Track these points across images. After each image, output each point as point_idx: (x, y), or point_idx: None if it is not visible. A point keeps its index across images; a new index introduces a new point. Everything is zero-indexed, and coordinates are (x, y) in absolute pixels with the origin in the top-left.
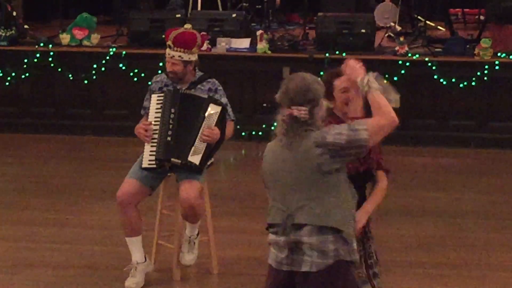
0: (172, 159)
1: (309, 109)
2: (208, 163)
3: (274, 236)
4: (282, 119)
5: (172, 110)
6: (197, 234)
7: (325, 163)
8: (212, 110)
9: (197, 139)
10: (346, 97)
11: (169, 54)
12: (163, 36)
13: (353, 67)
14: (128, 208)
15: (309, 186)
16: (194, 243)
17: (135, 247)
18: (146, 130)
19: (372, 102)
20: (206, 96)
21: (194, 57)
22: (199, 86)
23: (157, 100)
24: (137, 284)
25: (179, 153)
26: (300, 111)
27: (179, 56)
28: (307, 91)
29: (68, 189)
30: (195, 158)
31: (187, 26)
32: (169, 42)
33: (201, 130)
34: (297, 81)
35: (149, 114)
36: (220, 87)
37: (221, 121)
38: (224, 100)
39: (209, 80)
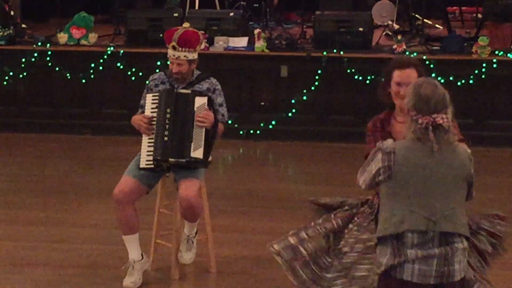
0: (171, 159)
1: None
2: (209, 158)
3: (418, 250)
4: (421, 127)
5: (168, 110)
6: (196, 233)
7: (471, 174)
8: (199, 102)
9: (194, 132)
10: (397, 90)
11: (174, 55)
12: (161, 35)
13: None
14: (125, 206)
15: (456, 195)
16: (193, 242)
17: (132, 245)
18: (146, 123)
19: None
20: (189, 91)
21: (196, 55)
22: (197, 85)
23: (152, 99)
24: (134, 283)
25: (181, 153)
26: (444, 119)
27: (185, 56)
28: (444, 99)
29: (66, 188)
30: (197, 153)
31: (186, 25)
32: (173, 43)
33: (194, 124)
34: (432, 88)
35: (145, 113)
36: (218, 87)
37: (210, 109)
38: (220, 99)
39: (207, 79)
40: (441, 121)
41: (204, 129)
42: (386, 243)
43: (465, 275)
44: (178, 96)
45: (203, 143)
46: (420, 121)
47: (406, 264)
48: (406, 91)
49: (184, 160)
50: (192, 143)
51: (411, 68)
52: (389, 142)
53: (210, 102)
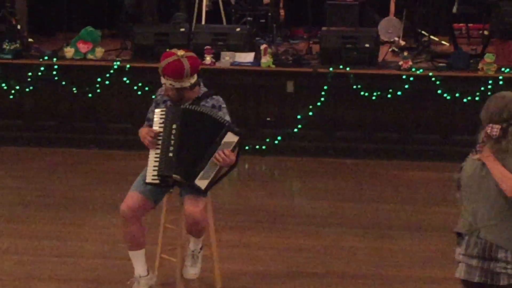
0: (174, 175)
1: (503, 128)
2: None
3: (460, 249)
4: (482, 137)
5: (174, 126)
6: (201, 248)
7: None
8: (230, 139)
9: (209, 163)
10: None
11: (162, 80)
12: (167, 50)
13: None
14: (132, 222)
15: (500, 207)
16: (198, 257)
17: (138, 261)
18: (152, 137)
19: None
20: (224, 122)
21: (187, 83)
22: (202, 102)
23: (160, 115)
24: None
25: (186, 173)
26: (493, 129)
27: (170, 84)
28: (502, 111)
29: (71, 203)
30: (202, 183)
31: (180, 53)
32: (159, 70)
33: (214, 155)
34: (497, 100)
35: (153, 127)
36: (224, 105)
37: (236, 151)
38: (227, 118)
39: (213, 97)
40: (489, 131)
41: (218, 166)
42: None
43: None
44: (190, 112)
45: (211, 177)
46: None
47: (460, 263)
48: None
49: (185, 181)
50: (202, 172)
51: None
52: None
53: (239, 142)
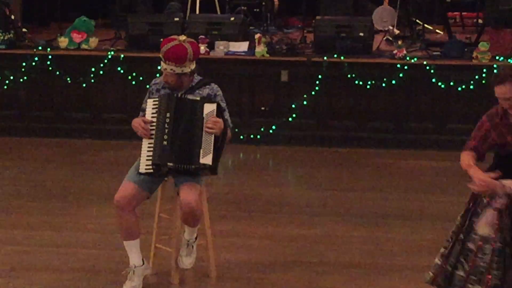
0: (169, 164)
1: None
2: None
3: None
4: None
5: (168, 115)
6: (196, 238)
7: None
8: (208, 109)
9: (203, 139)
10: (508, 105)
11: (162, 66)
12: (161, 39)
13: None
14: (126, 212)
15: None
16: (193, 246)
17: (133, 251)
18: (144, 127)
19: None
20: (198, 98)
21: (187, 69)
22: (197, 91)
23: (153, 104)
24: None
25: (189, 159)
26: None
27: (171, 69)
28: None
29: (66, 193)
30: (207, 159)
31: (182, 38)
32: (160, 55)
33: (204, 130)
34: None
35: (145, 117)
36: (220, 92)
37: (219, 116)
38: (222, 105)
39: (207, 85)
40: None
41: (213, 136)
42: None
43: None
44: (183, 101)
45: (212, 149)
46: None
47: None
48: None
49: (193, 167)
50: (201, 150)
51: (506, 85)
52: None
53: (219, 109)
